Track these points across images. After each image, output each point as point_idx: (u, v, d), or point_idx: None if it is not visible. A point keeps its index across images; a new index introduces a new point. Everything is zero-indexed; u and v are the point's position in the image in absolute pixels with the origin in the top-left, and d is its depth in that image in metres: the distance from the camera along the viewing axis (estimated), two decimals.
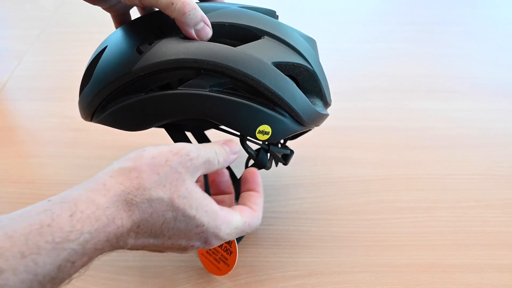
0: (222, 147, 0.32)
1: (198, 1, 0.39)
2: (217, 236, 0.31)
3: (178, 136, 0.41)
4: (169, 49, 0.33)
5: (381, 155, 0.61)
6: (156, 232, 0.28)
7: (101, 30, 0.88)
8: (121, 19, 0.40)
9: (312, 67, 0.38)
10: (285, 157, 0.48)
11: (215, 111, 0.34)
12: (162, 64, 0.32)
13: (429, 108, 0.71)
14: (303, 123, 0.38)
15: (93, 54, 0.38)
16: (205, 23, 0.32)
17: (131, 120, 0.35)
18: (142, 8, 0.40)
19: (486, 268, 0.47)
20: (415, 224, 0.52)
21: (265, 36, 0.36)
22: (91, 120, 0.38)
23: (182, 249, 0.31)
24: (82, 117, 0.39)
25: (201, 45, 0.33)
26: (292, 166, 0.54)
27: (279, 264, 0.47)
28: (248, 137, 0.40)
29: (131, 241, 0.27)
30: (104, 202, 0.24)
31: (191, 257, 0.48)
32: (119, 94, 0.34)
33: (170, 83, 0.34)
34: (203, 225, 0.29)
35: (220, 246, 0.42)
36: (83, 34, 0.88)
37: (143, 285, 0.45)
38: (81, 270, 0.24)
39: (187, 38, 0.33)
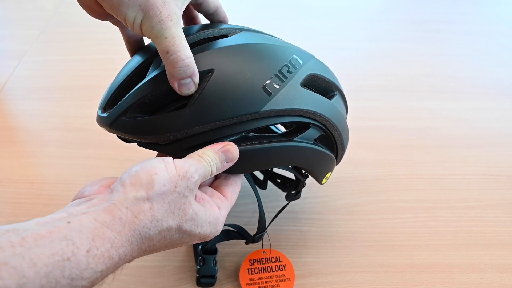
0: (218, 155, 0.31)
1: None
2: (215, 235, 0.32)
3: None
4: (293, 96, 0.33)
5: (381, 155, 0.61)
6: (159, 249, 0.29)
7: (101, 30, 0.89)
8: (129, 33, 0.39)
9: None
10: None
11: (313, 162, 0.37)
12: (289, 111, 0.33)
13: (430, 108, 0.71)
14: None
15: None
16: (193, 80, 0.31)
17: (245, 163, 0.33)
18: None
19: (486, 268, 0.47)
20: (415, 224, 0.52)
21: (337, 92, 0.39)
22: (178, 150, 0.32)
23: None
24: (157, 139, 0.32)
25: (319, 98, 0.35)
26: None
27: None
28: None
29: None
30: (119, 240, 0.25)
31: (191, 257, 0.48)
32: (229, 130, 0.32)
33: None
34: (206, 234, 0.31)
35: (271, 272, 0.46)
36: (83, 34, 0.88)
37: (143, 285, 0.45)
38: None
39: (306, 85, 0.35)
